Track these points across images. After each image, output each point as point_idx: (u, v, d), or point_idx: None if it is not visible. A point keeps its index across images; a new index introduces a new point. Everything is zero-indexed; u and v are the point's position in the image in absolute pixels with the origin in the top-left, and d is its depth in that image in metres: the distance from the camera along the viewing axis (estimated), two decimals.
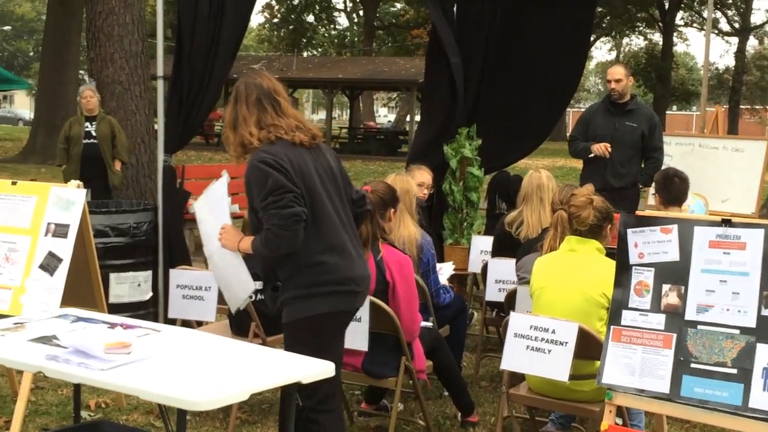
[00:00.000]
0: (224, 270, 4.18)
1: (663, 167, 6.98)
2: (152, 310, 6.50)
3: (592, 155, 7.51)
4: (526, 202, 5.99)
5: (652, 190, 6.23)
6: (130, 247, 6.32)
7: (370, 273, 4.08)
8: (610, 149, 7.40)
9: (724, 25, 48.40)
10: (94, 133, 9.21)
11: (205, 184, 13.00)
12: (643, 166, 7.66)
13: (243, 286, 4.13)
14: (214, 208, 4.18)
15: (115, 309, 5.73)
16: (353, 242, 3.94)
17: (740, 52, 45.33)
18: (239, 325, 5.35)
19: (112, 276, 6.23)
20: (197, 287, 5.27)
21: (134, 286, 6.31)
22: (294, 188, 3.66)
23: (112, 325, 3.75)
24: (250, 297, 4.78)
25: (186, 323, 5.51)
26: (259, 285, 4.22)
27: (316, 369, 3.39)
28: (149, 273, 6.46)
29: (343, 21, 53.58)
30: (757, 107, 48.66)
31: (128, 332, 3.59)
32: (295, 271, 3.80)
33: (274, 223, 3.62)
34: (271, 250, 3.70)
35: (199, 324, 5.56)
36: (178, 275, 5.38)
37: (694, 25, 49.20)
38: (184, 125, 6.30)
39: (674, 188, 5.77)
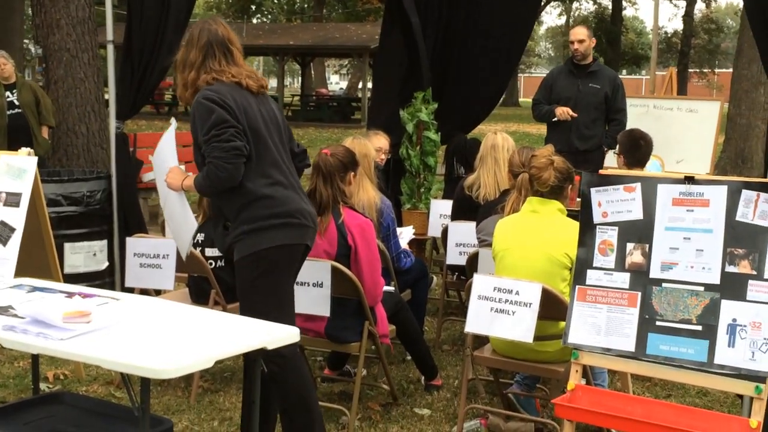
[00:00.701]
0: (173, 213, 4.14)
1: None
2: (108, 279, 6.40)
3: (555, 119, 7.50)
4: (482, 163, 5.98)
5: (612, 152, 6.23)
6: (84, 216, 6.20)
7: (315, 212, 4.08)
8: (572, 113, 7.40)
9: None
10: (17, 102, 8.99)
11: None
12: (606, 128, 7.67)
13: (188, 228, 4.09)
14: (163, 155, 4.16)
15: (71, 279, 5.63)
16: (297, 186, 3.96)
17: (688, 16, 45.70)
18: (198, 292, 5.29)
19: (67, 246, 6.11)
20: (154, 255, 5.18)
21: (89, 255, 6.20)
22: (236, 124, 3.70)
23: (70, 294, 3.65)
24: (195, 239, 4.90)
25: (144, 292, 5.42)
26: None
27: (280, 333, 3.33)
28: (104, 242, 6.35)
29: None
30: (705, 70, 49.19)
31: (87, 301, 3.50)
32: (243, 207, 3.79)
33: (215, 156, 3.64)
34: (212, 183, 3.71)
35: (157, 293, 5.47)
36: (135, 243, 5.28)
37: None
38: (137, 92, 6.17)
39: (640, 151, 5.79)
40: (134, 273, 5.26)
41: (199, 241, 5.21)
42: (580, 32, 7.69)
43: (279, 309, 3.80)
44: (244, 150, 3.69)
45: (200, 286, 5.25)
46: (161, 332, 3.27)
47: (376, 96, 8.52)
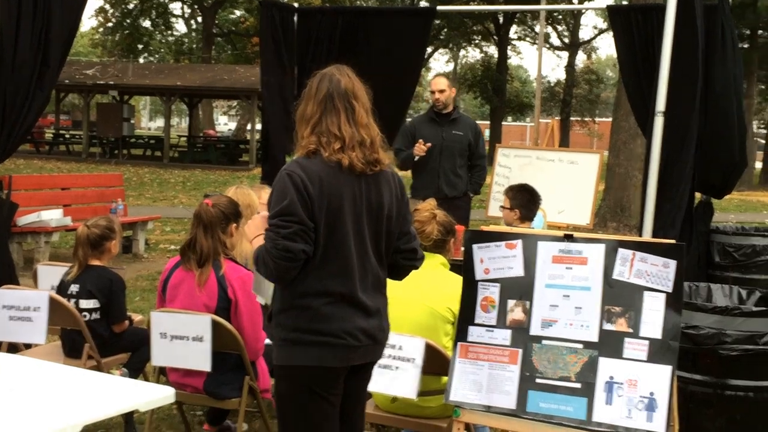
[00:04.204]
0: None
1: (503, 181, 7.12)
2: None
3: (416, 158, 7.60)
4: None
5: (503, 203, 6.33)
6: None
7: (385, 327, 3.48)
8: (426, 144, 7.51)
9: (555, 40, 50.51)
10: None
11: (35, 195, 12.35)
12: (470, 174, 7.83)
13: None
14: None
15: None
16: (369, 293, 3.38)
17: (570, 66, 47.34)
18: (72, 346, 5.08)
19: None
20: (25, 308, 4.94)
21: None
22: (305, 222, 3.20)
23: None
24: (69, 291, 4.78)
25: (13, 346, 5.18)
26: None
27: (153, 395, 3.20)
28: None
29: (181, 27, 52.89)
30: (586, 119, 50.85)
31: None
32: (284, 307, 3.33)
33: (267, 247, 3.21)
34: (259, 269, 3.31)
35: (27, 347, 5.23)
36: (4, 295, 5.04)
37: (527, 39, 50.99)
38: (9, 135, 5.92)
39: (534, 207, 6.00)
40: (3, 326, 5.01)
41: (74, 293, 5.01)
42: (440, 82, 7.88)
43: None
44: (300, 255, 3.18)
45: (73, 340, 5.04)
46: (25, 395, 3.09)
47: (264, 141, 8.46)
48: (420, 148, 7.58)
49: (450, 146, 7.72)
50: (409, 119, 8.78)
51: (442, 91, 7.78)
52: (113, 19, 46.24)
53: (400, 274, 3.58)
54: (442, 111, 7.83)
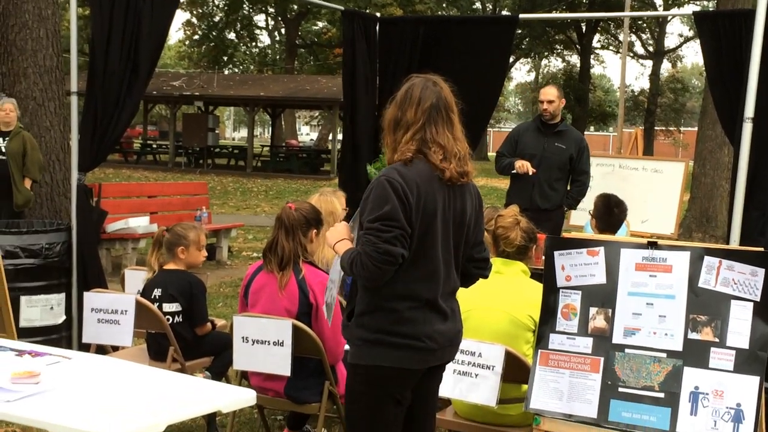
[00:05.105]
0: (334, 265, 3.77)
1: (590, 190, 7.03)
2: (66, 334, 6.26)
3: (514, 171, 7.52)
4: None
5: (587, 213, 6.26)
6: (42, 269, 6.07)
7: (460, 329, 3.56)
8: (532, 168, 7.42)
9: (639, 49, 49.74)
10: (3, 150, 8.88)
11: (123, 203, 12.69)
12: (568, 188, 7.70)
13: (330, 284, 3.78)
14: None
15: (27, 333, 5.51)
16: (446, 297, 3.46)
17: (654, 75, 46.54)
18: (157, 349, 5.18)
19: (23, 299, 5.97)
20: (112, 311, 5.07)
21: (46, 309, 6.06)
22: (405, 227, 3.26)
23: (20, 353, 3.56)
24: (153, 295, 4.84)
25: (101, 348, 5.31)
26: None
27: (235, 397, 3.25)
28: (62, 296, 6.21)
29: (264, 39, 53.42)
30: (671, 129, 49.93)
31: (37, 360, 3.41)
32: (368, 309, 3.38)
33: (366, 251, 3.24)
34: (353, 273, 3.33)
35: (114, 349, 5.36)
36: (93, 298, 5.18)
37: (611, 47, 50.36)
38: (100, 143, 6.09)
39: (613, 218, 5.87)
40: (91, 328, 5.15)
41: (156, 297, 5.12)
42: (550, 92, 7.75)
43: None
44: (399, 259, 3.24)
45: (158, 343, 5.15)
46: (112, 394, 3.17)
47: (344, 149, 8.53)
48: (523, 167, 7.48)
49: (549, 158, 7.58)
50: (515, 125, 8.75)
51: (551, 102, 7.65)
52: (199, 32, 47.16)
53: (468, 282, 3.63)
54: (549, 121, 7.70)
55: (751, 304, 3.45)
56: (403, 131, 3.40)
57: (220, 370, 5.29)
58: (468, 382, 4.06)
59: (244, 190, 24.31)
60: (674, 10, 38.69)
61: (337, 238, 3.50)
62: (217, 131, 33.44)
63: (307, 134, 70.36)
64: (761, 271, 3.44)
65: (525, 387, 3.92)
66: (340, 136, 23.49)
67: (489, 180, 28.15)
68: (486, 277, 3.66)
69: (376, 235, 3.23)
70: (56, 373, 3.27)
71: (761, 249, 3.58)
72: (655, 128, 46.26)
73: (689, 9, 39.64)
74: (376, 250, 3.21)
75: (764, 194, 5.85)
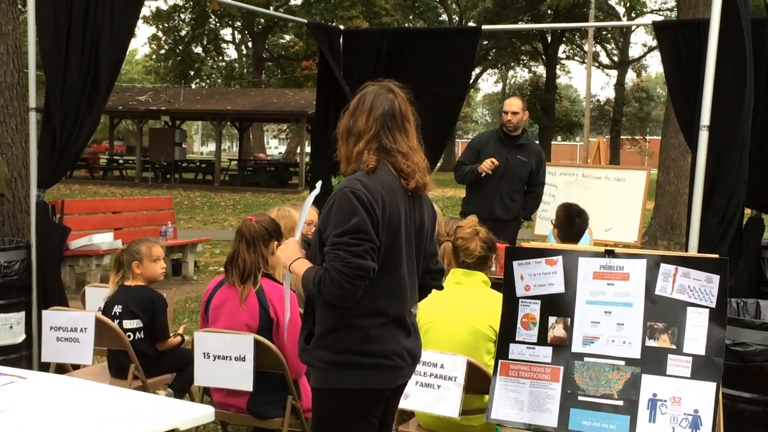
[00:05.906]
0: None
1: (549, 199, 7.06)
2: (26, 353, 6.16)
3: (483, 174, 7.52)
4: None
5: (550, 223, 6.29)
6: (1, 288, 5.98)
7: (420, 344, 3.46)
8: (495, 162, 7.45)
9: (604, 59, 50.23)
10: None
11: (87, 219, 12.53)
12: (525, 199, 7.77)
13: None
14: (300, 218, 3.71)
15: None
16: (410, 314, 3.39)
17: (620, 85, 46.97)
18: (118, 367, 5.13)
19: None
20: (72, 329, 5.01)
21: (5, 328, 5.98)
22: (375, 239, 3.12)
23: None
24: (113, 311, 4.79)
25: (61, 367, 5.25)
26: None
27: (193, 414, 3.21)
28: (22, 314, 6.12)
29: (231, 53, 53.33)
30: (636, 137, 50.39)
31: None
32: (333, 328, 3.22)
33: (336, 267, 3.08)
34: (320, 293, 3.15)
35: (75, 367, 5.30)
36: (51, 316, 5.12)
37: (576, 58, 50.76)
38: (59, 159, 6.02)
39: (575, 228, 5.91)
40: (51, 347, 5.09)
41: (117, 313, 5.07)
42: (514, 104, 7.80)
43: None
44: (370, 273, 3.11)
45: (119, 360, 5.10)
46: (67, 415, 3.12)
47: (313, 162, 8.51)
48: (488, 165, 7.51)
49: (511, 170, 7.66)
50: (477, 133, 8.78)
51: (515, 113, 7.71)
52: (166, 46, 46.98)
53: (423, 294, 3.55)
54: (511, 132, 7.77)
55: (707, 310, 3.47)
56: (354, 140, 3.30)
57: (183, 386, 5.25)
58: (432, 395, 4.05)
59: (211, 205, 24.20)
60: (637, 20, 39.05)
61: (291, 258, 3.34)
62: (184, 146, 33.29)
63: (275, 147, 70.27)
64: (716, 278, 3.47)
65: (487, 397, 3.92)
66: (308, 149, 23.46)
67: (457, 191, 28.19)
68: (441, 288, 3.61)
69: (346, 250, 3.08)
70: (10, 394, 3.22)
71: (716, 256, 3.60)
72: (621, 137, 46.66)
73: (650, 19, 40.04)
74: (347, 265, 3.07)
75: (723, 200, 5.90)
